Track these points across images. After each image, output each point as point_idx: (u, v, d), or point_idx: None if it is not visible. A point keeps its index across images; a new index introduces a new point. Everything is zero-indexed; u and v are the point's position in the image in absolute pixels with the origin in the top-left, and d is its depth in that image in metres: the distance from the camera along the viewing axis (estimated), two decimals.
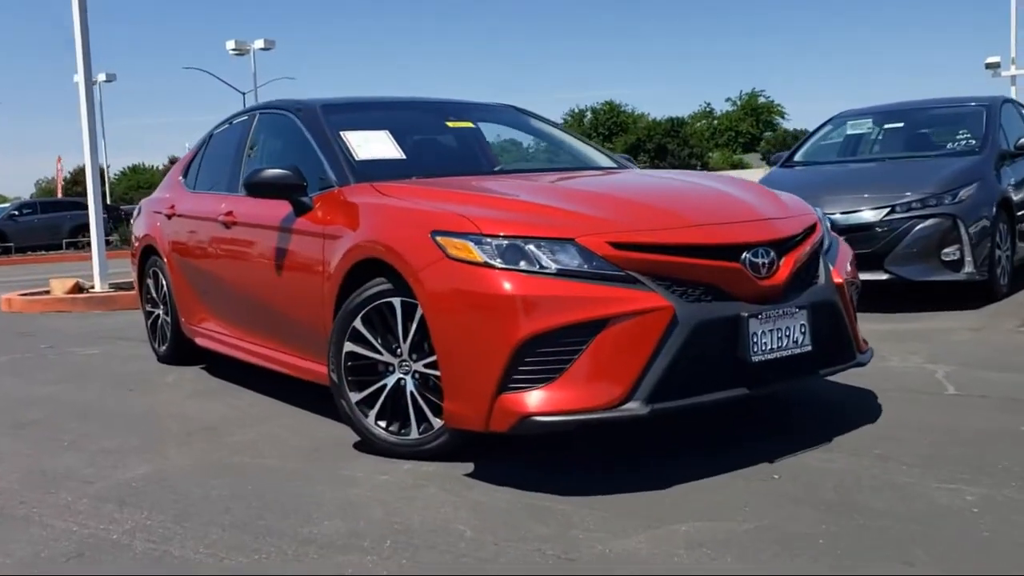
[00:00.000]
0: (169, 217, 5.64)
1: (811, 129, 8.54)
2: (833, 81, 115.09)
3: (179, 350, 5.79)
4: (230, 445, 3.88)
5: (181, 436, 4.08)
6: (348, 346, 3.63)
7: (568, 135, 5.25)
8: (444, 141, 4.95)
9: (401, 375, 3.52)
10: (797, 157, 8.09)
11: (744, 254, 3.24)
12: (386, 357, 3.55)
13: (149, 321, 6.10)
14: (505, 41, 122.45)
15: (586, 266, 3.10)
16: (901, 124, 7.88)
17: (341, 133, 4.31)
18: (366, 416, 3.60)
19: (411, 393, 3.49)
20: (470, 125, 4.92)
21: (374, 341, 3.57)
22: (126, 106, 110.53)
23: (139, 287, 6.26)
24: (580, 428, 3.19)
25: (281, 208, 4.24)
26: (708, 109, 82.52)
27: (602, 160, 4.90)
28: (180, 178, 5.89)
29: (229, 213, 4.78)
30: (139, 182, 74.21)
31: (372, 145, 4.30)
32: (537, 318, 3.02)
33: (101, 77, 51.92)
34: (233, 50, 41.77)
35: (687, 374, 3.10)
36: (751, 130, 78.64)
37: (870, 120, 8.10)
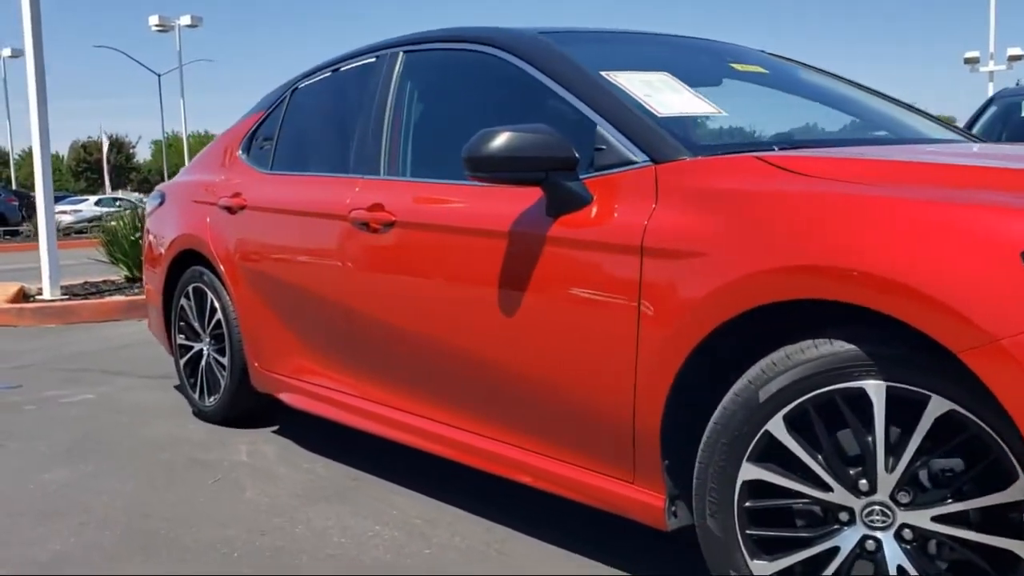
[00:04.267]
0: (233, 211, 3.75)
1: None
2: None
3: (239, 406, 3.94)
4: None
5: None
6: (748, 470, 1.89)
7: (866, 92, 3.47)
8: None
9: (872, 532, 1.80)
10: None
11: None
12: (837, 497, 1.82)
13: (184, 359, 4.19)
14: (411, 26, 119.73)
15: None
16: None
17: (606, 75, 2.55)
18: None
19: None
20: (762, 71, 3.16)
21: (811, 462, 1.84)
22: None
23: (163, 310, 4.34)
24: None
25: (506, 200, 2.47)
26: None
27: (930, 129, 3.16)
28: (241, 154, 4.00)
29: (376, 207, 2.95)
30: None
31: (664, 96, 2.53)
32: None
33: (6, 52, 48.09)
34: (156, 26, 39.15)
35: None
36: None
37: None
